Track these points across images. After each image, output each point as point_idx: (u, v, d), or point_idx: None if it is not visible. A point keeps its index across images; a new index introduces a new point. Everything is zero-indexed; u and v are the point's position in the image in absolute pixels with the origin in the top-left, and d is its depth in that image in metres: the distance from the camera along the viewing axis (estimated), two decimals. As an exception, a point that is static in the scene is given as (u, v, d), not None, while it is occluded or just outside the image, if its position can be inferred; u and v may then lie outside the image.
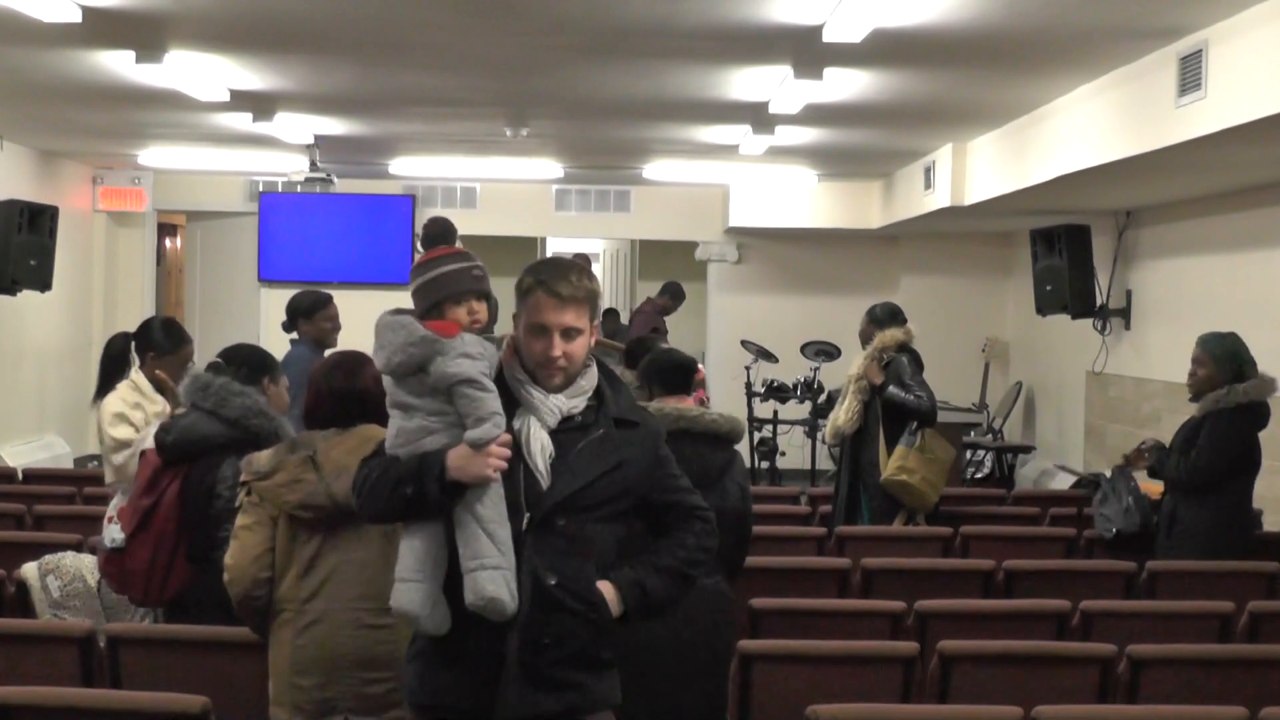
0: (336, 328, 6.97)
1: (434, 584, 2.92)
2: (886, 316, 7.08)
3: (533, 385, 2.96)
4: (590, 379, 3.03)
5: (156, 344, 5.38)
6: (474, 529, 2.87)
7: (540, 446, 2.93)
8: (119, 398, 5.28)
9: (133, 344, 5.47)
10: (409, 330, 2.95)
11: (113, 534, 4.24)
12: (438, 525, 2.94)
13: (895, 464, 6.74)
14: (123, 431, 5.19)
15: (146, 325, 5.53)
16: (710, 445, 4.29)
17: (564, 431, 2.97)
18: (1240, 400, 5.81)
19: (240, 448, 3.91)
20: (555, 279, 2.96)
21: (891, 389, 6.82)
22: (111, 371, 5.42)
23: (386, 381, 3.01)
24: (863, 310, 7.30)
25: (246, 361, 4.39)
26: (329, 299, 7.04)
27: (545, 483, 2.93)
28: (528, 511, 2.91)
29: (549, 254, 16.21)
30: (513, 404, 2.96)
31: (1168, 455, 5.99)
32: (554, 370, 2.95)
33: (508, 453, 2.89)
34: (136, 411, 5.25)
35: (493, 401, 2.91)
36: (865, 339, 7.10)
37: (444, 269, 3.05)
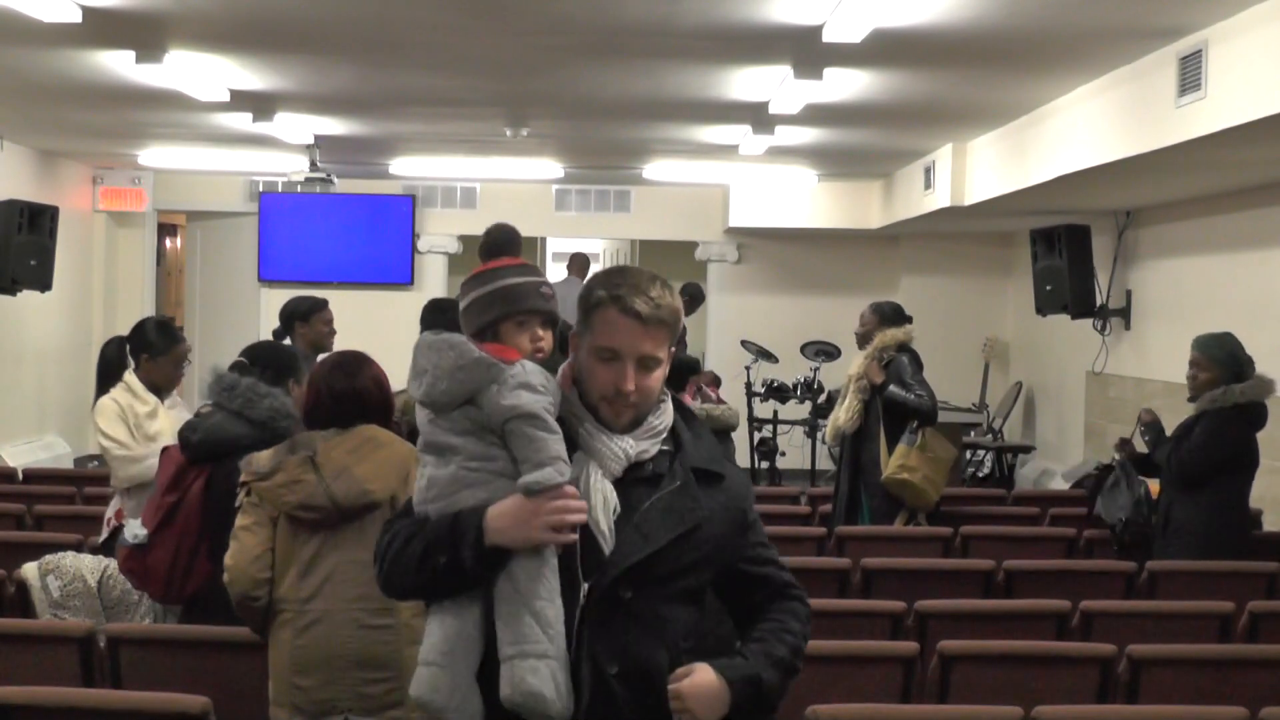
0: (333, 331, 6.97)
1: (464, 671, 2.39)
2: (894, 314, 7.07)
3: (594, 424, 2.42)
4: (664, 418, 2.49)
5: (150, 345, 5.39)
6: (515, 607, 2.33)
7: (603, 500, 2.38)
8: (112, 399, 5.30)
9: (127, 347, 5.48)
10: (459, 352, 2.43)
11: (134, 530, 4.23)
12: (474, 598, 2.40)
13: (896, 462, 6.75)
14: (120, 431, 5.20)
15: (140, 327, 5.54)
16: (725, 439, 4.47)
17: (630, 483, 2.42)
18: (1237, 400, 5.82)
19: (266, 448, 3.89)
20: (633, 294, 2.40)
21: (892, 388, 6.82)
22: (107, 376, 5.44)
23: (422, 417, 2.50)
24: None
25: (271, 363, 4.38)
26: (325, 302, 7.05)
27: (608, 546, 2.37)
28: (585, 582, 2.36)
29: (549, 254, 16.14)
30: (569, 448, 2.42)
31: (1163, 440, 6.00)
32: (623, 407, 2.42)
33: (573, 513, 2.34)
34: (126, 416, 5.25)
35: (557, 445, 2.37)
36: (866, 334, 7.05)
37: (506, 282, 2.55)
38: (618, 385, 2.40)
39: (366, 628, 3.58)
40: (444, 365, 2.43)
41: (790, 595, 2.60)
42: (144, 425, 5.30)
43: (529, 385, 2.41)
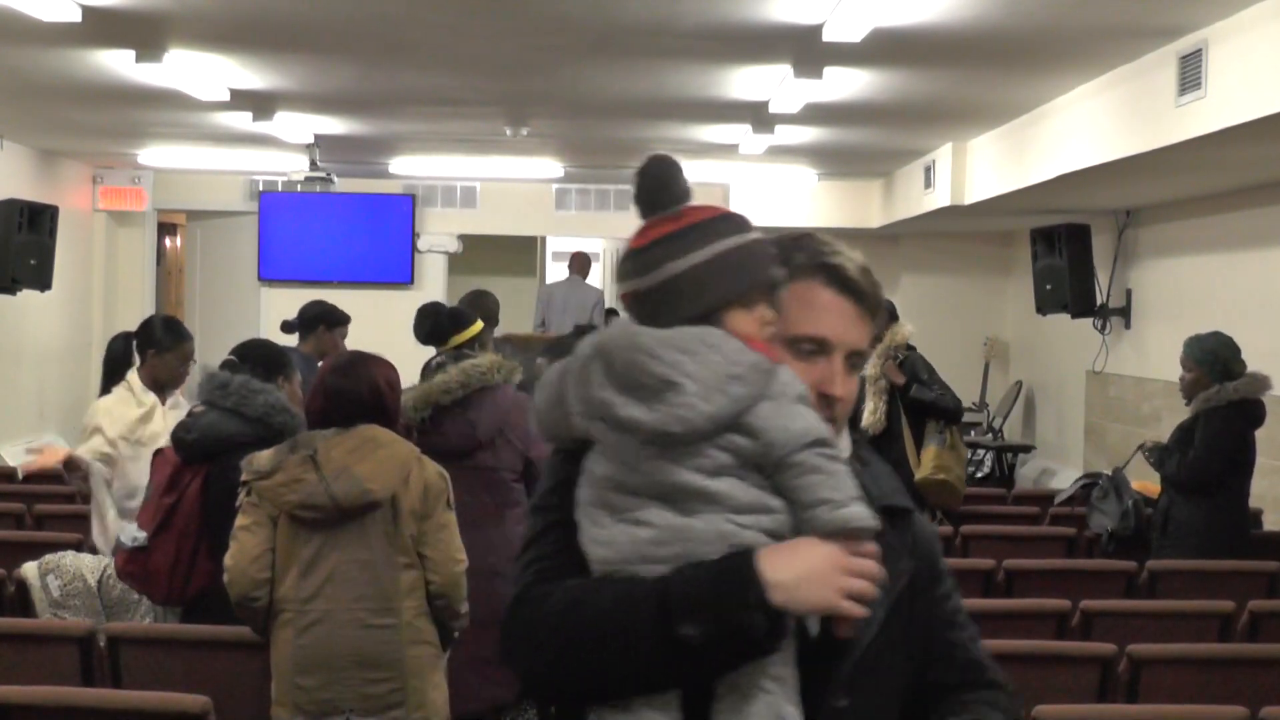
0: (342, 349, 7.00)
1: None
2: (894, 311, 7.06)
3: None
4: (846, 440, 1.81)
5: (157, 341, 5.39)
6: (769, 715, 1.60)
7: None
8: (107, 406, 5.28)
9: (134, 343, 5.49)
10: (725, 354, 1.64)
11: (133, 533, 4.23)
12: (676, 694, 1.62)
13: (931, 464, 6.76)
14: (93, 443, 5.16)
15: (148, 323, 5.55)
16: None
17: None
18: (1231, 398, 5.83)
19: (263, 445, 3.87)
20: (847, 263, 1.77)
21: (916, 389, 6.81)
22: (113, 372, 5.45)
23: (625, 446, 1.65)
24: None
25: (262, 360, 4.39)
26: (350, 320, 7.11)
27: (814, 626, 1.64)
28: None
29: (549, 253, 16.00)
30: None
31: (1168, 454, 6.01)
32: (823, 420, 1.69)
33: (879, 570, 1.63)
34: (116, 424, 5.22)
35: (850, 480, 1.66)
36: (876, 333, 7.01)
37: (726, 245, 1.74)
38: (822, 388, 1.71)
39: (368, 627, 3.58)
40: (708, 374, 1.62)
41: (1000, 688, 1.87)
42: (135, 430, 5.26)
43: (804, 396, 1.68)
